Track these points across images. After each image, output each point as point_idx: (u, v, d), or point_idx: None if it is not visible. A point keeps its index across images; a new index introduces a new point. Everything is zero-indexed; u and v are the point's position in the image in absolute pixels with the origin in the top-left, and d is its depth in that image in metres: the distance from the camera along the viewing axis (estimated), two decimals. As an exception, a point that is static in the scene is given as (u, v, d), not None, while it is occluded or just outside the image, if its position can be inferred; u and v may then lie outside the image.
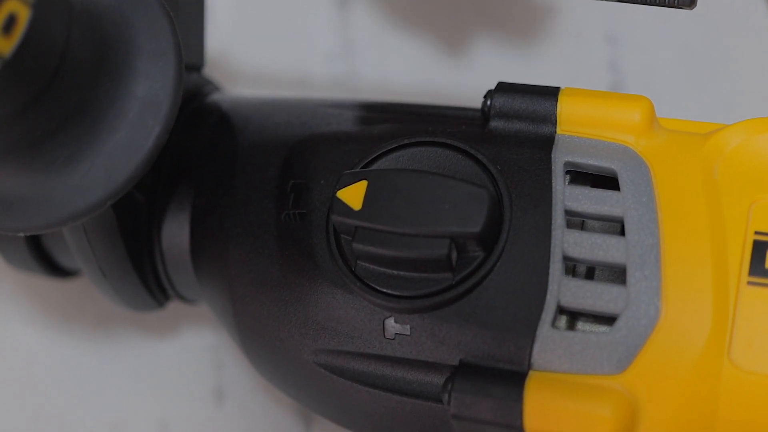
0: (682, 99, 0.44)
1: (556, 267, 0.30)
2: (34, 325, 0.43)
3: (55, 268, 0.38)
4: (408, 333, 0.31)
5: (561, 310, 0.30)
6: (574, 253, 0.30)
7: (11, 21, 0.26)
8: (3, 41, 0.26)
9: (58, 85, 0.28)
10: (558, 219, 0.30)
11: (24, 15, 0.26)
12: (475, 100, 0.34)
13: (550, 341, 0.30)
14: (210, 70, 0.41)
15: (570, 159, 0.31)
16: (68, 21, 0.28)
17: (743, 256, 0.29)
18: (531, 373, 0.30)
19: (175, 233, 0.35)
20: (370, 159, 0.32)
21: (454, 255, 0.30)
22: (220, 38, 0.45)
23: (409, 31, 0.45)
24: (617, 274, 0.31)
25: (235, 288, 0.34)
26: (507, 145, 0.32)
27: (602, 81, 0.44)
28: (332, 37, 0.46)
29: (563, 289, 0.30)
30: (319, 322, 0.32)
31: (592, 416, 0.29)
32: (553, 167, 0.31)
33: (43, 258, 0.37)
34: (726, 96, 0.44)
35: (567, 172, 0.31)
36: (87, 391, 0.42)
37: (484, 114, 0.33)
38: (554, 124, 0.32)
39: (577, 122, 0.32)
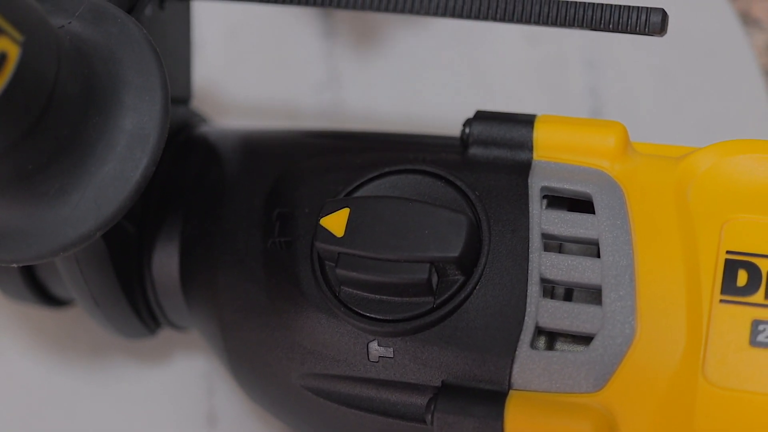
0: (660, 123, 0.44)
1: (534, 289, 0.31)
2: (29, 354, 0.43)
3: (49, 298, 0.38)
4: (391, 356, 0.31)
5: (539, 331, 0.31)
6: (552, 275, 0.31)
7: (1, 59, 0.27)
8: (-6, 79, 0.27)
9: (48, 119, 0.29)
10: (535, 242, 0.31)
11: (14, 53, 0.27)
12: (455, 129, 0.35)
13: (529, 361, 0.30)
14: (199, 103, 0.42)
15: (546, 184, 0.32)
16: (57, 58, 0.29)
17: (715, 275, 0.30)
18: (511, 392, 0.30)
19: (165, 262, 0.36)
20: (352, 187, 0.33)
21: (435, 279, 0.31)
22: (208, 71, 0.46)
23: (392, 61, 0.46)
24: (594, 295, 0.31)
25: (224, 315, 0.34)
26: (485, 172, 0.32)
27: (583, 106, 0.45)
28: (318, 68, 0.46)
29: (541, 311, 0.31)
30: (305, 347, 0.32)
31: (571, 434, 0.29)
32: (530, 192, 0.32)
33: (38, 288, 0.38)
34: (702, 119, 0.44)
35: (544, 197, 0.32)
36: (82, 419, 0.42)
37: (463, 141, 0.33)
38: (531, 150, 0.32)
39: (553, 148, 0.32)
